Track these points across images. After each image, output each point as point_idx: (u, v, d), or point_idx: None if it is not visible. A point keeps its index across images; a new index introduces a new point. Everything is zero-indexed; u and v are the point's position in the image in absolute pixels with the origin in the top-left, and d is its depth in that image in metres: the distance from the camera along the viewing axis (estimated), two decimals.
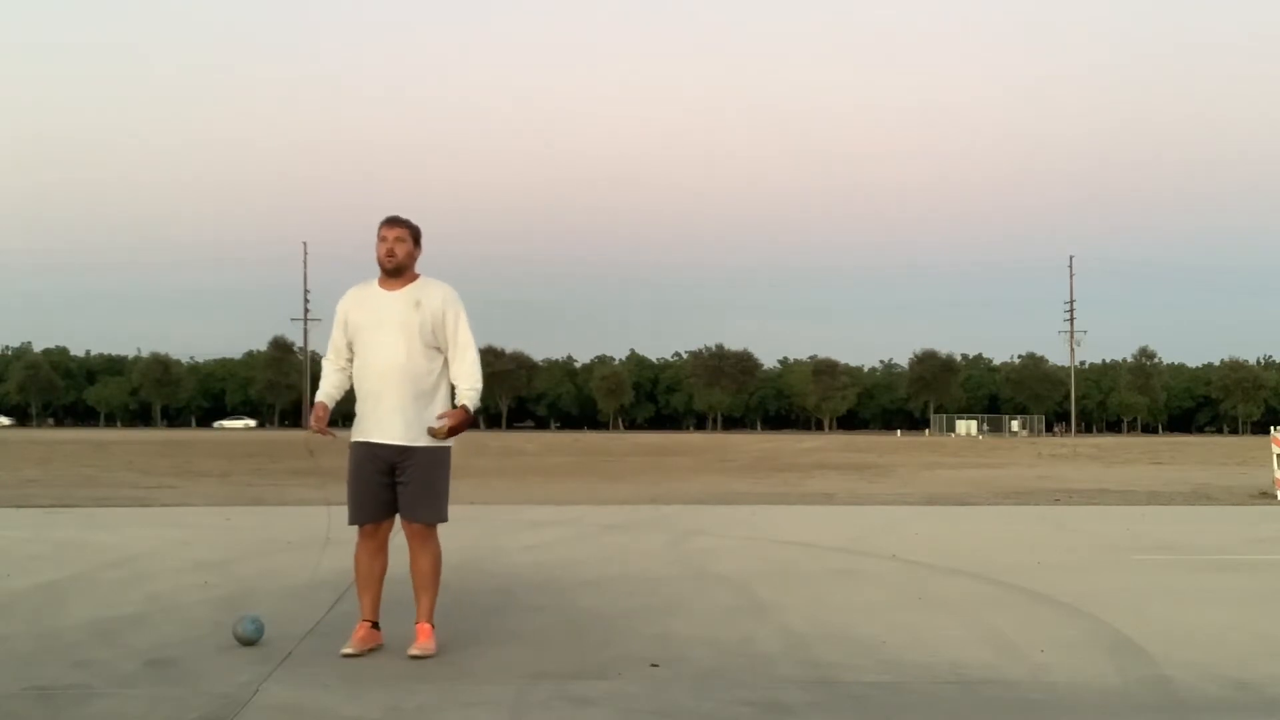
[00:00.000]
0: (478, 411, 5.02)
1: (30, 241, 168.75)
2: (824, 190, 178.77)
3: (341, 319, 4.97)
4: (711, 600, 6.31)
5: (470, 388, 4.87)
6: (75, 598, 6.28)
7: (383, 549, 4.98)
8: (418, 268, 5.02)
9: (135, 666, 4.61)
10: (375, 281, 4.98)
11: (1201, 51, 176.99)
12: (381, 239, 4.91)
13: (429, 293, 4.89)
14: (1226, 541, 9.83)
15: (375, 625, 4.96)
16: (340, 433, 4.95)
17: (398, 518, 4.93)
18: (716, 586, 6.81)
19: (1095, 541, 9.52)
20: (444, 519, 4.95)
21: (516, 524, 10.53)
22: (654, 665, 4.69)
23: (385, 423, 4.81)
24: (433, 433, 4.77)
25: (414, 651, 4.77)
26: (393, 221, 4.94)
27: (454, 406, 4.88)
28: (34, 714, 3.95)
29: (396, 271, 4.91)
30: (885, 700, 4.20)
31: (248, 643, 4.95)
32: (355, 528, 4.94)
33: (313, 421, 4.91)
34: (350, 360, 4.98)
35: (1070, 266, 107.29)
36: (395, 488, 4.84)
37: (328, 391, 4.98)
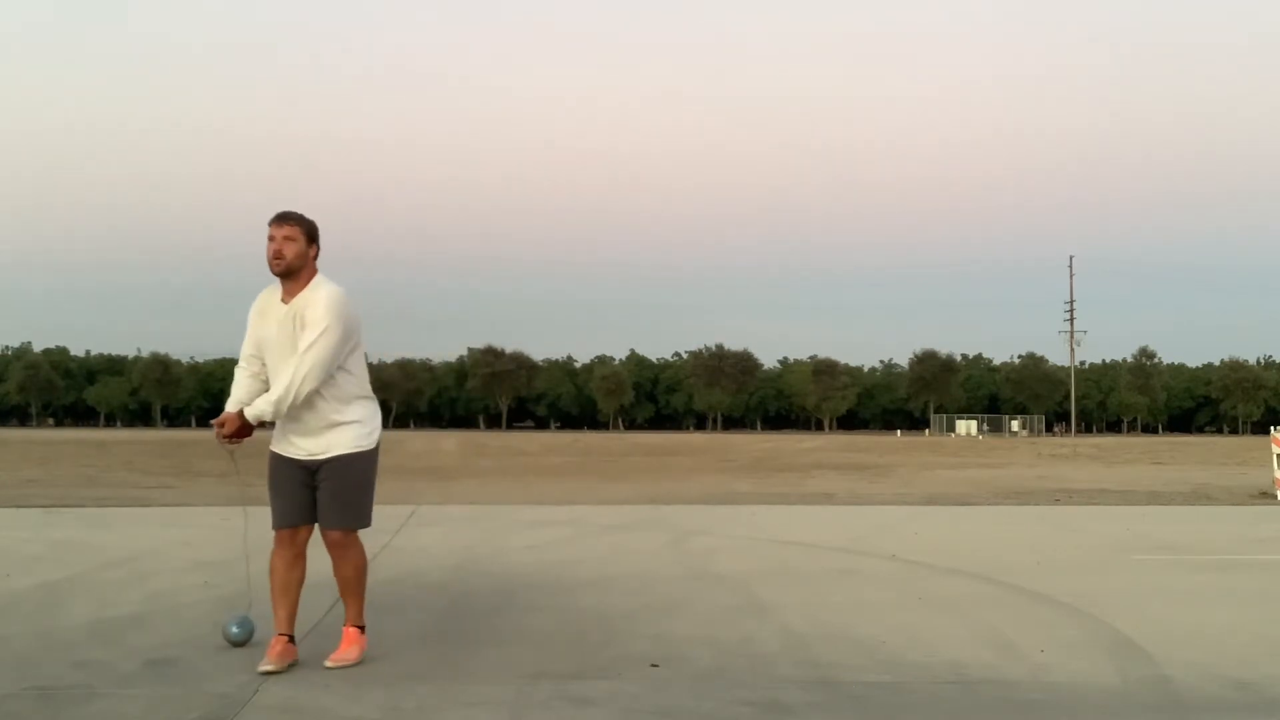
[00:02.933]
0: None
1: (30, 241, 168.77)
2: (824, 190, 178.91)
3: (251, 327, 4.67)
4: (711, 600, 6.31)
5: (267, 401, 4.49)
6: (75, 598, 6.28)
7: (301, 557, 4.72)
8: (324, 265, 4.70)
9: (135, 666, 4.61)
10: (279, 285, 4.64)
11: (1202, 53, 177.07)
12: (270, 238, 4.53)
13: (311, 300, 4.53)
14: (1226, 541, 9.82)
15: (291, 639, 4.67)
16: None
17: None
18: (716, 586, 6.81)
19: (1095, 541, 9.51)
20: (363, 524, 4.72)
21: (516, 524, 10.53)
22: (654, 665, 4.69)
23: (296, 442, 4.63)
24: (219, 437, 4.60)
25: (330, 662, 4.56)
26: (282, 218, 4.57)
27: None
28: (34, 714, 3.95)
29: (287, 274, 4.55)
30: (885, 700, 4.20)
31: (237, 644, 4.89)
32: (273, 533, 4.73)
33: (216, 432, 4.59)
34: (263, 367, 4.68)
35: (1070, 266, 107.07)
36: (315, 493, 4.66)
37: (239, 398, 4.65)
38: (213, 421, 4.64)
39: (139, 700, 4.11)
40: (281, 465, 4.69)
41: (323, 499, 4.63)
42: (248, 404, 4.60)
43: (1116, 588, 6.85)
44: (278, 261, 4.53)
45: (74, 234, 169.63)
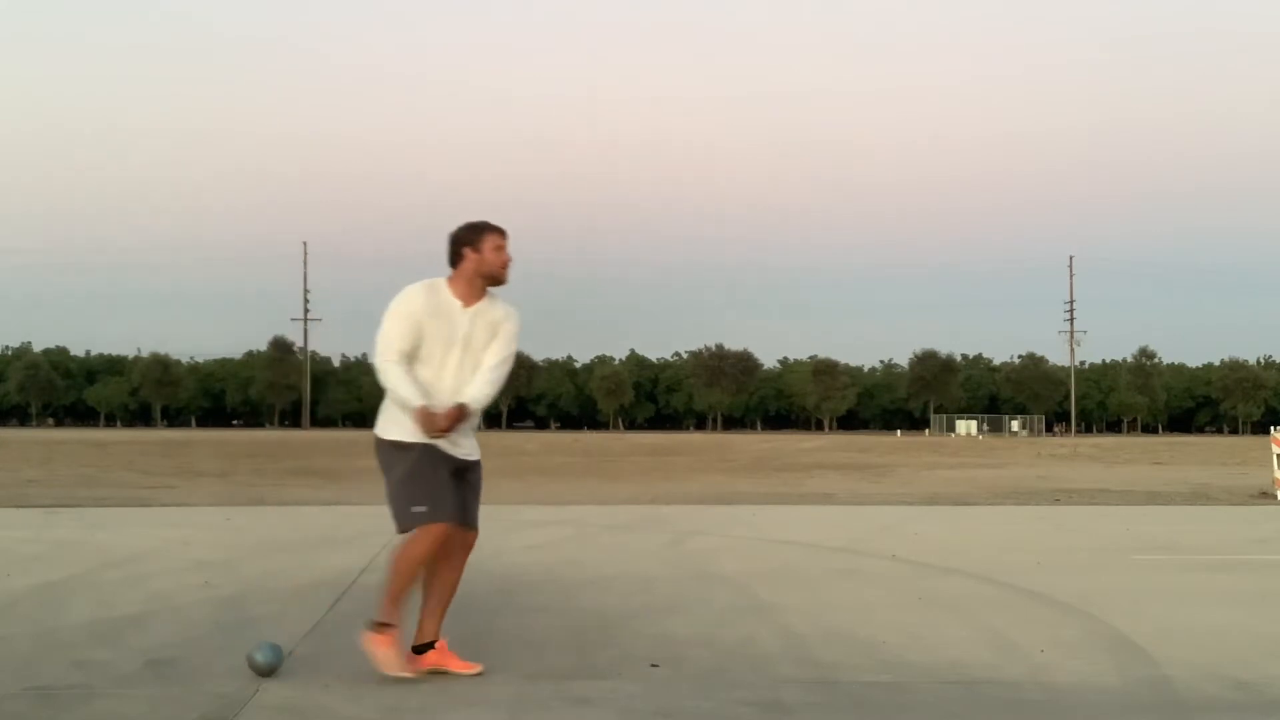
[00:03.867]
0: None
1: (30, 241, 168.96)
2: (824, 189, 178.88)
3: (415, 323, 4.48)
4: (711, 600, 6.31)
5: (481, 395, 4.52)
6: (75, 598, 6.28)
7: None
8: None
9: (135, 666, 4.61)
10: (444, 285, 4.57)
11: (1203, 50, 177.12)
12: (498, 248, 4.56)
13: (508, 317, 4.62)
14: (1226, 541, 9.83)
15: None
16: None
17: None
18: (716, 586, 6.81)
19: (1095, 541, 9.52)
20: None
21: (516, 524, 10.52)
22: (654, 665, 4.70)
23: (459, 441, 4.58)
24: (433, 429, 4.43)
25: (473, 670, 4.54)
26: (505, 232, 4.61)
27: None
28: (34, 714, 3.95)
29: (492, 287, 4.62)
30: (885, 700, 4.20)
31: (264, 673, 4.38)
32: (414, 529, 4.46)
33: (435, 426, 4.40)
34: (410, 364, 4.54)
35: (1070, 266, 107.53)
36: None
37: (419, 392, 4.45)
38: (439, 415, 4.42)
39: (139, 700, 4.11)
40: (444, 460, 4.54)
41: (473, 500, 4.69)
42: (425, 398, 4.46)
43: (1116, 588, 6.85)
44: (506, 271, 4.61)
45: (74, 234, 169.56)
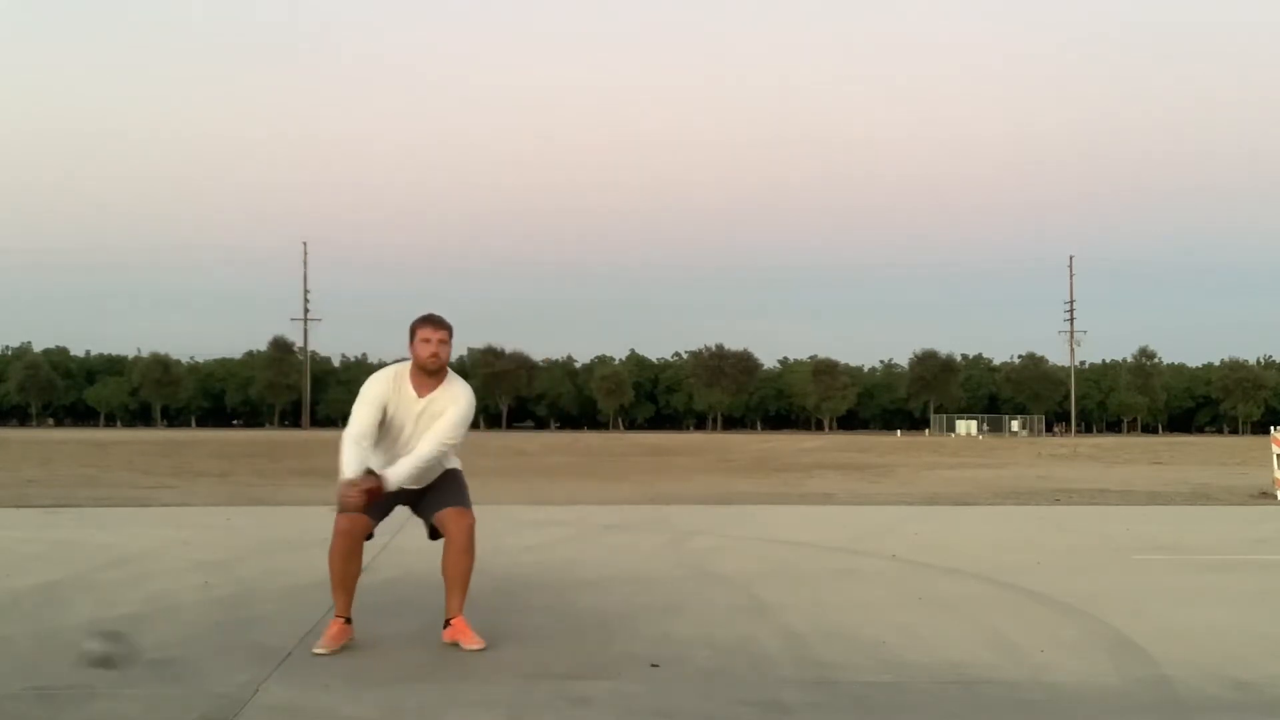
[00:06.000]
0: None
1: (30, 241, 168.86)
2: (824, 189, 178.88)
3: (379, 406, 4.98)
4: (711, 600, 6.31)
5: (404, 471, 4.92)
6: (75, 598, 6.28)
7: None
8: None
9: (135, 666, 4.61)
10: (407, 374, 5.04)
11: (1203, 50, 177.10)
12: (425, 340, 4.97)
13: (455, 397, 5.03)
14: (1226, 541, 9.83)
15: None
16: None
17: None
18: (716, 586, 6.81)
19: (1095, 541, 9.51)
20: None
21: (516, 524, 10.52)
22: (654, 665, 4.70)
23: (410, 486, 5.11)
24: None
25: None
26: (437, 323, 5.01)
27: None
28: (34, 714, 3.96)
29: (437, 373, 5.02)
30: (885, 700, 4.21)
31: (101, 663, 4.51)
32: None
33: (352, 498, 4.82)
34: (373, 443, 5.02)
35: (1070, 266, 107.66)
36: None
37: (356, 470, 4.88)
38: (356, 485, 4.82)
39: (139, 700, 4.12)
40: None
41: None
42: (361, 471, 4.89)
43: (1116, 588, 6.85)
44: (434, 361, 4.98)
45: (74, 233, 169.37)
